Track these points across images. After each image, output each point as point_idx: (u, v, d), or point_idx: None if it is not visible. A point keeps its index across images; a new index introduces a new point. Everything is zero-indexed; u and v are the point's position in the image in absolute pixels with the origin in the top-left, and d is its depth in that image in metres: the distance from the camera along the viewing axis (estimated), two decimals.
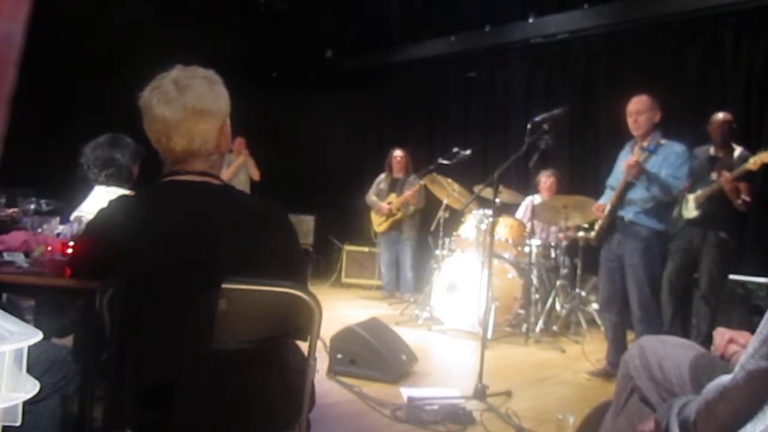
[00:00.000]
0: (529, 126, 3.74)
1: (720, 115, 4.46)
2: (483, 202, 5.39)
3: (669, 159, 3.90)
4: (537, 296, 5.56)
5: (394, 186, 7.00)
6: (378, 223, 7.09)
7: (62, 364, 1.76)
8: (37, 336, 1.12)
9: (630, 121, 4.00)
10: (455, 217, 6.09)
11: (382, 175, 7.16)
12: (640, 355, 1.77)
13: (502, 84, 7.56)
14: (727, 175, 4.14)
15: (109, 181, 2.72)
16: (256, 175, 7.21)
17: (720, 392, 1.14)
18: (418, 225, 6.94)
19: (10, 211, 3.14)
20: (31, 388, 1.15)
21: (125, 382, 1.40)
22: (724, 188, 4.17)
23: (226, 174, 6.81)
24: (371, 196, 7.10)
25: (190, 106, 1.52)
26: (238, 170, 7.16)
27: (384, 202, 6.97)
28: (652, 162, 3.89)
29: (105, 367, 1.46)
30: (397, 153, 7.02)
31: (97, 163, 2.73)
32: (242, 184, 7.10)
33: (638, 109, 3.96)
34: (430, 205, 6.77)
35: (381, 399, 3.27)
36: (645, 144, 3.97)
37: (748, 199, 4.23)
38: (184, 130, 1.54)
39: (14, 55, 0.61)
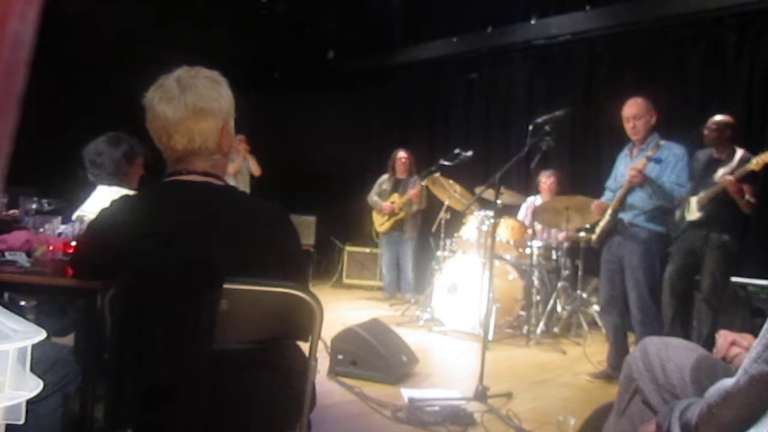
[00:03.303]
0: (530, 127, 3.74)
1: (716, 118, 4.44)
2: (484, 204, 5.39)
3: (669, 162, 3.90)
4: (538, 298, 5.56)
5: (397, 186, 7.02)
6: (380, 223, 7.10)
7: (63, 363, 1.76)
8: (41, 335, 1.12)
9: (628, 126, 4.00)
10: (456, 219, 6.09)
11: (385, 176, 7.18)
12: (643, 357, 1.76)
13: (504, 85, 7.56)
14: (729, 177, 4.13)
15: (95, 178, 2.75)
16: (257, 171, 7.18)
17: (722, 396, 1.13)
18: (419, 225, 6.95)
19: (11, 212, 3.15)
20: (34, 386, 1.15)
21: (126, 382, 1.40)
22: (727, 189, 4.16)
23: (232, 167, 6.83)
24: (373, 196, 7.12)
25: (191, 104, 1.53)
26: (241, 166, 7.16)
27: (386, 202, 6.98)
28: (651, 165, 3.89)
29: (106, 366, 1.46)
30: (401, 154, 7.04)
31: (87, 158, 2.77)
32: (243, 180, 7.10)
33: (635, 113, 3.96)
34: (431, 206, 6.77)
35: (382, 400, 3.27)
36: (643, 147, 3.98)
37: (753, 200, 4.22)
38: (184, 129, 1.54)
39: (25, 55, 0.62)
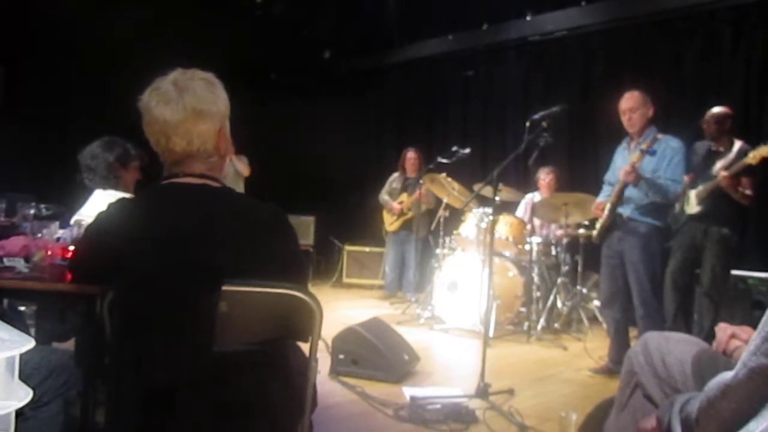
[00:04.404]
0: (527, 124, 3.74)
1: (713, 110, 4.44)
2: (483, 201, 5.39)
3: (665, 156, 3.90)
4: (538, 294, 5.56)
5: (407, 186, 7.04)
6: (389, 222, 7.13)
7: (64, 369, 1.76)
8: (29, 344, 1.10)
9: (624, 119, 4.01)
10: (455, 216, 6.09)
11: (395, 175, 7.20)
12: (644, 351, 1.77)
13: (501, 82, 7.56)
14: (723, 173, 4.13)
15: (89, 181, 2.75)
16: (245, 171, 7.10)
17: (722, 390, 1.13)
18: (427, 225, 6.93)
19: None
20: (23, 395, 1.13)
21: (127, 386, 1.40)
22: (722, 184, 4.17)
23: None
24: (384, 195, 7.15)
25: (190, 106, 1.53)
26: (228, 170, 7.07)
27: (396, 201, 7.00)
28: (647, 159, 3.89)
29: (107, 371, 1.46)
30: (411, 154, 7.07)
31: (83, 165, 2.78)
32: (231, 180, 7.03)
33: (631, 106, 3.97)
34: (435, 204, 6.78)
35: (384, 399, 3.27)
36: (641, 140, 3.98)
37: (749, 192, 4.22)
38: (183, 131, 1.54)
39: None
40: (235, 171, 7.08)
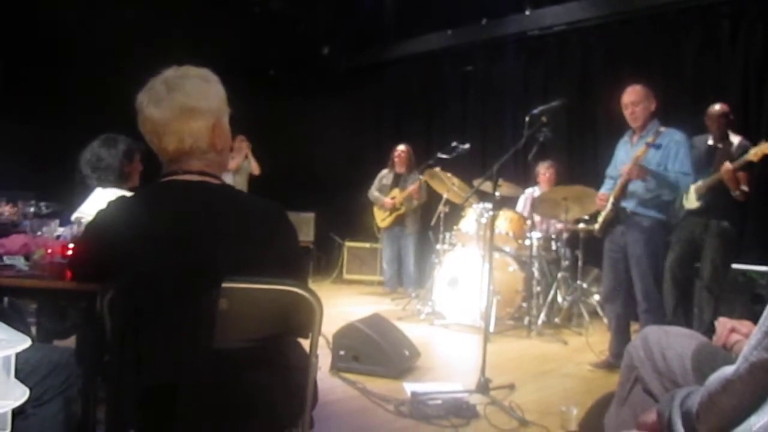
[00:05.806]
0: (527, 119, 3.73)
1: (717, 107, 4.45)
2: (483, 196, 5.39)
3: (671, 150, 3.89)
4: (538, 289, 5.56)
5: (397, 181, 7.02)
6: (381, 219, 7.11)
7: (65, 366, 1.76)
8: (25, 343, 1.10)
9: (627, 113, 4.00)
10: (455, 212, 6.08)
11: (385, 171, 7.18)
12: (644, 345, 1.77)
13: (500, 77, 7.55)
14: (727, 165, 4.13)
15: (100, 182, 2.74)
16: (256, 170, 7.19)
17: (723, 384, 1.13)
18: (420, 220, 6.95)
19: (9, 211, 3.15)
20: (20, 395, 1.12)
21: (127, 383, 1.40)
22: (723, 179, 4.17)
23: (232, 164, 6.80)
24: (374, 192, 7.12)
25: (178, 105, 1.52)
26: (241, 165, 7.12)
27: (387, 197, 6.99)
28: (651, 153, 3.88)
29: (107, 368, 1.46)
30: (400, 148, 7.04)
31: (88, 165, 2.76)
32: (242, 178, 7.11)
33: (633, 100, 3.96)
34: (430, 199, 6.78)
35: (384, 394, 3.27)
36: (644, 133, 3.98)
37: (746, 189, 4.22)
38: (173, 129, 1.53)
39: None
40: (248, 169, 7.11)
